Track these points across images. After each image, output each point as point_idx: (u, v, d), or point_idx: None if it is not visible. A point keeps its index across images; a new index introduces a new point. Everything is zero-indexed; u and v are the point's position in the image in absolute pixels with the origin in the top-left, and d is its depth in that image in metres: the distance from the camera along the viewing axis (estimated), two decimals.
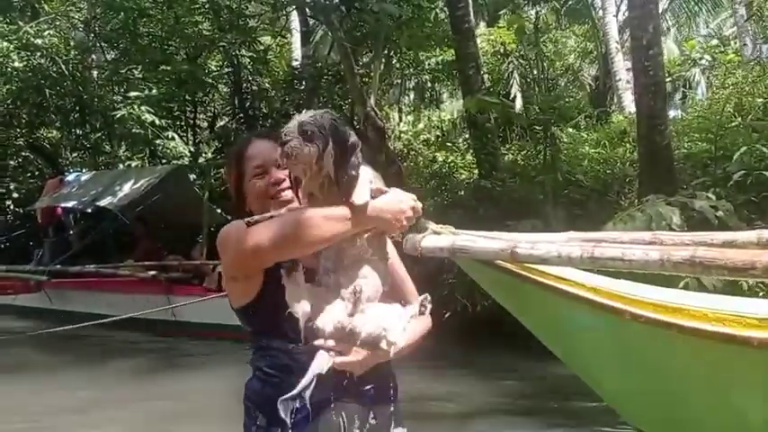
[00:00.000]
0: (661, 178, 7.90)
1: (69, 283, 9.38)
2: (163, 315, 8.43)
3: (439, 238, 1.66)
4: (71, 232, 10.29)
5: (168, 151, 12.86)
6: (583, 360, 1.90)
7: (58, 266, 9.53)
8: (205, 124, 14.69)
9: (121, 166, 12.81)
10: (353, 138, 1.61)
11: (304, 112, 1.63)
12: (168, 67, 11.24)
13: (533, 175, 9.63)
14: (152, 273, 8.82)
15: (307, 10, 13.47)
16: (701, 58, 15.77)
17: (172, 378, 6.70)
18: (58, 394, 5.85)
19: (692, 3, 18.19)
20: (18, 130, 14.29)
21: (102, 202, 9.70)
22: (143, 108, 10.59)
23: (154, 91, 10.69)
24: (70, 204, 10.14)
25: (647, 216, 6.86)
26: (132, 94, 10.48)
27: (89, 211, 10.01)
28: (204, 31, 12.32)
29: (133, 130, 10.76)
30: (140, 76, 11.73)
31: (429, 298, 1.81)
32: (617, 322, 1.60)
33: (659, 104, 7.87)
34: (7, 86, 12.79)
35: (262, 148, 1.85)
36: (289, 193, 1.79)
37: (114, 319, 6.58)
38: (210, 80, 12.07)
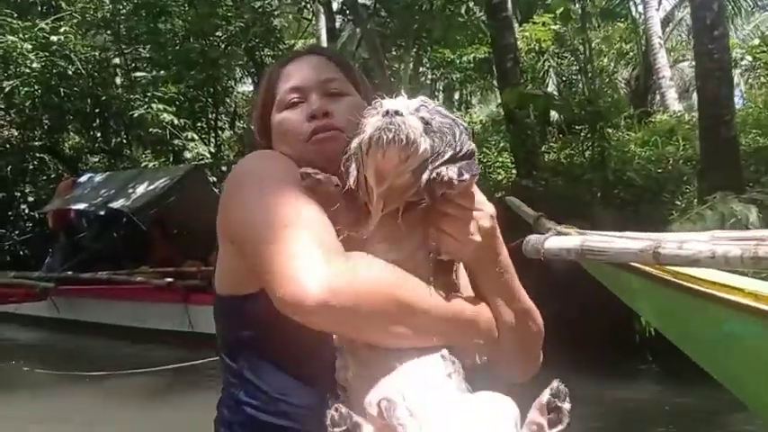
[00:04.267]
0: (726, 174, 7.23)
1: (78, 290, 8.82)
2: (179, 325, 7.83)
3: (565, 238, 1.50)
4: (82, 236, 9.75)
5: (189, 153, 12.37)
6: (740, 372, 1.70)
7: (68, 273, 8.98)
8: (228, 126, 14.21)
9: None
10: (472, 145, 0.99)
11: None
12: (177, 47, 10.61)
13: (580, 173, 8.90)
14: (168, 280, 8.21)
15: (333, 6, 12.96)
16: (741, 59, 15.06)
17: (184, 402, 5.96)
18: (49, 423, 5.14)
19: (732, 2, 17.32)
20: (36, 132, 13.91)
21: (115, 204, 9.15)
22: (161, 107, 10.08)
23: (162, 72, 10.06)
24: (81, 207, 9.61)
25: (718, 214, 6.21)
26: (138, 74, 9.91)
27: (102, 213, 9.46)
28: (228, 29, 11.83)
29: (150, 130, 10.23)
30: (147, 55, 11.11)
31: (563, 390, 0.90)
32: None
33: (725, 91, 7.15)
34: (25, 89, 12.40)
35: (304, 65, 1.15)
36: (331, 138, 1.08)
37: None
38: (224, 62, 11.29)
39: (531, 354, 1.11)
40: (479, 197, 1.01)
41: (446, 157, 0.93)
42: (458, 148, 0.95)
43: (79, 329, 8.37)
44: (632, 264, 1.48)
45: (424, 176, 0.91)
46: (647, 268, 1.49)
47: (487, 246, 1.00)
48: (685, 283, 1.46)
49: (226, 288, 1.10)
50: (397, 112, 0.93)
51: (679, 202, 8.31)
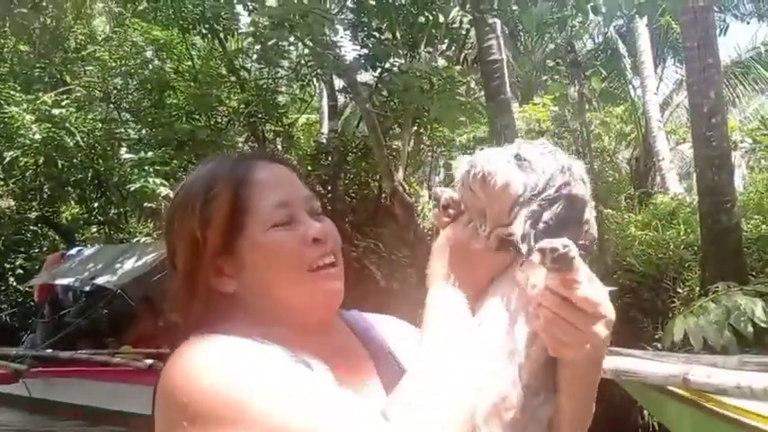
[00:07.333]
0: (728, 263, 7.02)
1: (53, 372, 8.42)
2: None
3: None
4: (66, 312, 9.44)
5: None
6: None
7: (47, 351, 8.63)
8: None
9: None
10: (581, 188, 0.93)
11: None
12: (166, 127, 10.62)
13: None
14: (149, 361, 7.85)
15: (335, 84, 13.16)
16: (741, 141, 15.15)
17: None
18: None
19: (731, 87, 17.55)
20: (34, 203, 13.87)
21: (100, 280, 8.87)
22: (158, 181, 10.02)
23: (150, 154, 9.98)
24: (66, 282, 9.35)
25: (722, 308, 5.97)
26: (126, 156, 9.88)
27: (87, 289, 9.19)
28: (231, 103, 11.95)
29: (145, 205, 10.12)
30: (136, 136, 11.13)
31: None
32: None
33: (724, 179, 7.01)
34: (24, 159, 12.43)
35: (280, 175, 0.95)
36: (337, 276, 0.90)
37: None
38: (213, 141, 11.23)
39: None
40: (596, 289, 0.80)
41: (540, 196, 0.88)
42: (551, 190, 0.89)
43: (54, 411, 7.99)
44: (669, 387, 1.71)
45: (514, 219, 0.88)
46: (680, 391, 1.69)
47: (598, 357, 0.84)
48: (715, 408, 1.65)
49: None
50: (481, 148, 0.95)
51: (681, 290, 8.09)
